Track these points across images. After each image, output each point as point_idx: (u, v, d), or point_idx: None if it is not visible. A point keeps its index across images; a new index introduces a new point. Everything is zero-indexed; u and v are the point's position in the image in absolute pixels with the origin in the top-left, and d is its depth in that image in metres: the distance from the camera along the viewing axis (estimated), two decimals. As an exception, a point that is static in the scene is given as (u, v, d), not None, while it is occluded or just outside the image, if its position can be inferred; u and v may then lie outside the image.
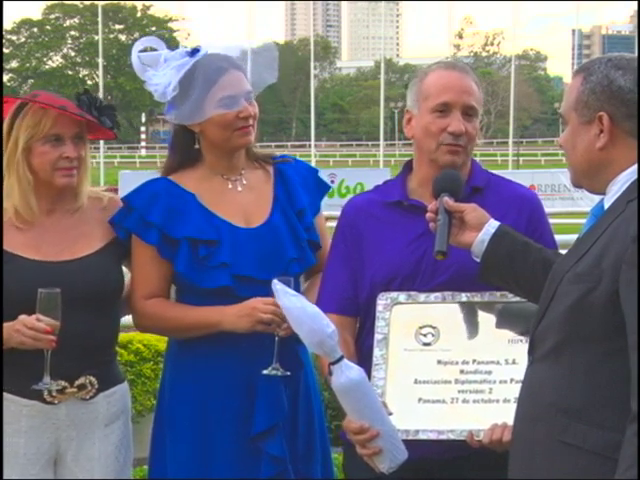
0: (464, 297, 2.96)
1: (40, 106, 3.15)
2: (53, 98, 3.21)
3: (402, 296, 2.99)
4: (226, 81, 3.19)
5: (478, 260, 2.79)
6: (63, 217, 3.26)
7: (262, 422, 3.18)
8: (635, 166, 2.37)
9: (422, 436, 2.81)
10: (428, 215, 2.84)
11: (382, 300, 2.99)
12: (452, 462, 2.91)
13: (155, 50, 3.29)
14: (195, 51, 3.24)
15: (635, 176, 2.36)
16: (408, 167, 3.15)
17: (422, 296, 2.98)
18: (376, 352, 2.94)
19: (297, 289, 3.19)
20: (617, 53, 2.46)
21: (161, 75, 3.21)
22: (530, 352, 2.48)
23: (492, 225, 2.79)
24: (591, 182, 2.48)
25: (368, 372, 2.88)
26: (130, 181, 19.99)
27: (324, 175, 3.61)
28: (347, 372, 2.72)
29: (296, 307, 2.78)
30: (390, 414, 2.81)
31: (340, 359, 2.74)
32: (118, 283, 3.27)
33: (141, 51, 3.29)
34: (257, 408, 3.18)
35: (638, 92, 2.37)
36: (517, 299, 2.90)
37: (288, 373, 3.13)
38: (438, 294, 2.97)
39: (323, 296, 3.14)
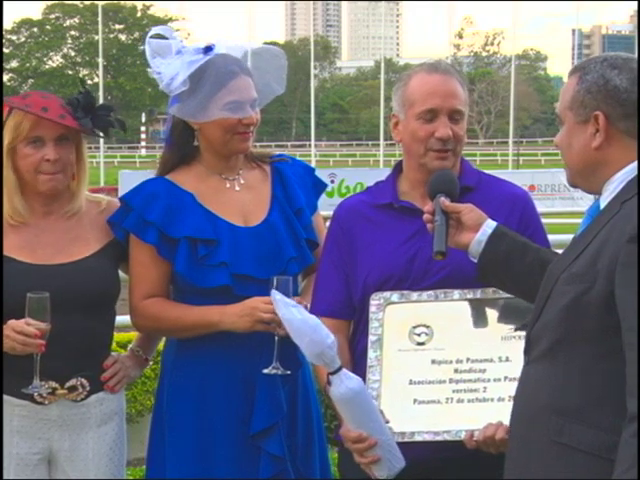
0: (456, 294, 2.95)
1: (19, 109, 3.11)
2: (39, 99, 3.17)
3: (395, 295, 2.98)
4: (235, 86, 3.19)
5: (475, 260, 2.78)
6: (60, 219, 3.25)
7: (261, 421, 3.18)
8: (630, 166, 2.37)
9: (418, 438, 2.80)
10: (425, 216, 2.82)
11: (375, 300, 2.98)
12: (448, 462, 2.90)
13: (166, 39, 3.23)
14: (209, 49, 3.22)
15: (630, 176, 2.36)
16: (398, 168, 3.15)
17: (415, 295, 2.97)
18: (370, 354, 2.93)
19: (295, 288, 3.19)
20: (613, 52, 2.45)
21: (167, 64, 3.19)
22: (526, 352, 2.47)
23: (489, 225, 2.77)
24: (587, 182, 2.47)
25: (364, 372, 2.89)
26: (130, 181, 19.97)
27: (324, 175, 3.61)
28: (346, 382, 2.72)
29: (297, 319, 2.77)
30: (387, 422, 2.81)
31: (339, 369, 2.74)
32: (115, 285, 3.26)
33: (152, 37, 3.24)
34: (256, 407, 3.18)
35: (638, 92, 2.36)
36: (509, 295, 2.88)
37: (288, 372, 3.13)
38: (431, 292, 2.96)
39: (316, 299, 3.13)
